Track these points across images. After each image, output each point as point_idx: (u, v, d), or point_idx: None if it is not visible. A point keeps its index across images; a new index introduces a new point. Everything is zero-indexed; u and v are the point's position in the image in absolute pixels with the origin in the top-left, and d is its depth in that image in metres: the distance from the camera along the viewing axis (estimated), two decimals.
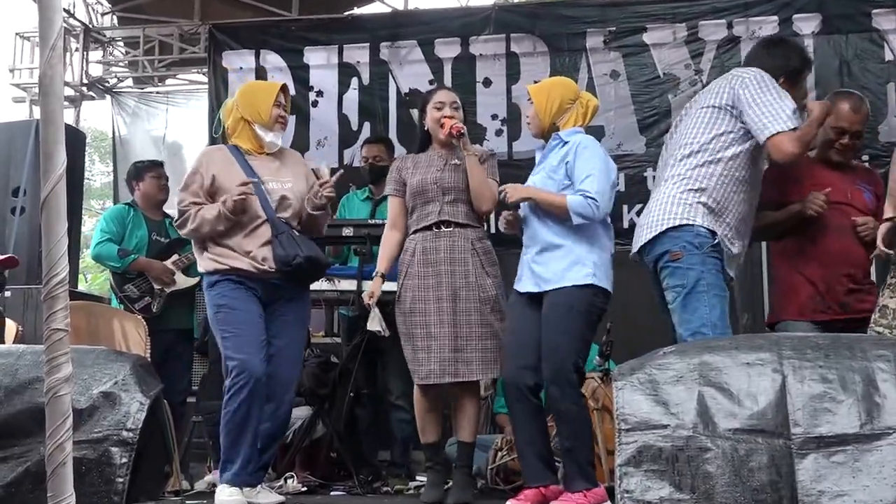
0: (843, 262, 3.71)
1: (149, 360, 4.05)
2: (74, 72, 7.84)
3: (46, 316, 1.96)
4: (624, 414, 2.60)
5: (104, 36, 8.06)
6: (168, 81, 8.34)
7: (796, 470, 2.42)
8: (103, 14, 8.13)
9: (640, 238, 3.54)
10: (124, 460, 2.91)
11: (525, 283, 3.66)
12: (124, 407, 3.01)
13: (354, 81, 6.83)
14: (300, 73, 6.89)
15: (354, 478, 4.38)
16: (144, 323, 4.69)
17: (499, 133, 6.51)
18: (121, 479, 2.88)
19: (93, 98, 8.22)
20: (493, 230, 5.66)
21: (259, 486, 3.66)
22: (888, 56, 5.96)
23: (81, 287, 10.82)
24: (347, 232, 4.63)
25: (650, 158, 5.93)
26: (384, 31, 6.85)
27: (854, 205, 3.78)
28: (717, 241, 3.40)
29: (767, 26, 6.05)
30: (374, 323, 4.04)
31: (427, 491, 3.90)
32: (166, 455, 3.52)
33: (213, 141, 4.96)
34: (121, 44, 8.20)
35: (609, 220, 3.67)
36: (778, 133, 3.35)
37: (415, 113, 6.27)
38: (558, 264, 3.54)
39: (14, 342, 4.61)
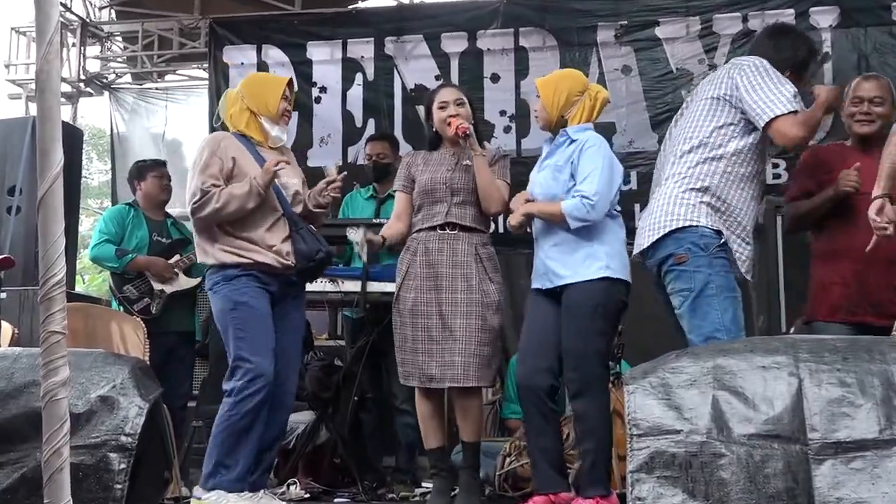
0: (877, 257, 3.66)
1: (148, 363, 4.06)
2: (71, 67, 7.85)
3: (43, 318, 1.97)
4: (636, 419, 2.60)
5: (102, 31, 8.08)
6: (167, 77, 8.35)
7: (813, 476, 2.41)
8: (101, 8, 8.16)
9: (643, 241, 3.50)
10: (123, 466, 2.91)
11: (541, 279, 3.67)
12: (123, 411, 3.01)
13: (359, 77, 6.84)
14: (303, 68, 6.90)
15: (359, 484, 4.39)
16: (143, 325, 4.71)
17: (507, 130, 6.51)
18: (119, 486, 2.88)
19: (90, 94, 8.23)
20: (500, 229, 5.67)
21: (261, 491, 3.66)
22: None
23: (79, 288, 10.85)
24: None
25: None
26: (389, 25, 6.86)
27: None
28: (723, 240, 3.36)
29: (784, 20, 6.03)
30: (355, 235, 4.04)
31: (433, 498, 3.91)
32: (166, 461, 3.53)
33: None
34: (119, 39, 8.22)
35: (616, 211, 3.68)
36: (778, 116, 3.31)
37: (421, 109, 6.29)
38: (571, 258, 3.56)
39: (10, 345, 4.62)
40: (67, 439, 1.98)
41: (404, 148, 5.90)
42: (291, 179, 3.87)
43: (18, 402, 2.99)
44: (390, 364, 4.63)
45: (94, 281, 14.75)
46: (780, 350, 2.67)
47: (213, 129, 4.60)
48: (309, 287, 4.41)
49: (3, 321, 4.73)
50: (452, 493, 3.92)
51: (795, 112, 3.32)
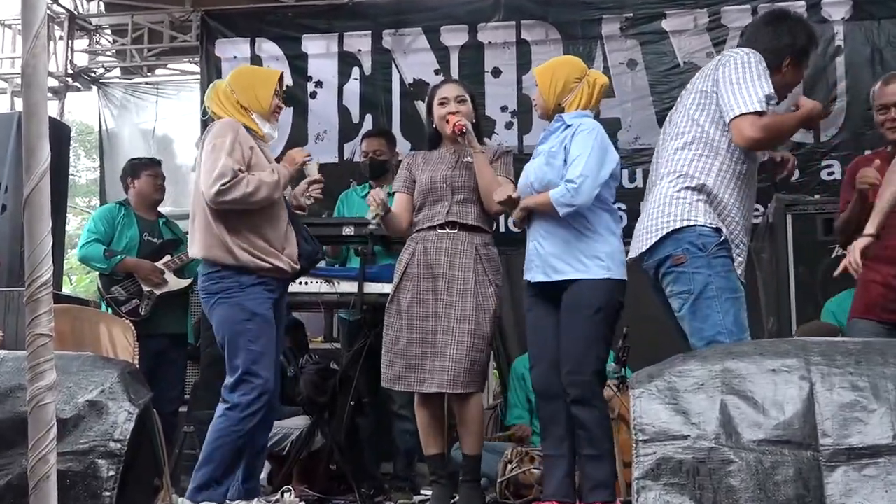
0: None
1: (137, 366, 4.06)
2: (59, 61, 7.87)
3: (29, 320, 1.97)
4: (642, 424, 2.60)
5: (90, 23, 8.09)
6: (158, 71, 8.37)
7: (825, 484, 2.41)
8: (89, 0, 8.15)
9: (640, 245, 3.46)
10: (111, 473, 2.91)
11: (535, 273, 3.67)
12: (111, 416, 3.00)
13: (355, 71, 6.84)
14: (298, 62, 6.91)
15: (355, 492, 4.39)
16: (133, 327, 4.71)
17: (509, 126, 6.52)
18: (108, 494, 2.88)
19: (78, 89, 8.25)
20: (502, 229, 5.68)
21: (255, 500, 3.66)
22: None
23: (66, 290, 10.84)
24: (348, 231, 4.62)
25: None
26: (387, 18, 6.86)
27: None
28: (722, 238, 3.31)
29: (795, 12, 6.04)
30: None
31: None
32: (156, 468, 3.51)
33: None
34: (108, 31, 8.22)
35: (612, 204, 3.70)
36: (741, 114, 3.27)
37: (419, 105, 6.30)
38: (570, 254, 3.56)
39: None
40: (54, 446, 1.98)
41: (402, 145, 5.91)
42: None
43: (4, 407, 2.99)
44: None
45: (81, 282, 14.76)
46: (791, 353, 2.66)
47: (205, 125, 4.59)
48: (304, 288, 4.42)
49: None
50: (452, 501, 3.92)
51: (761, 113, 3.26)
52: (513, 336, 6.31)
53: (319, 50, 6.93)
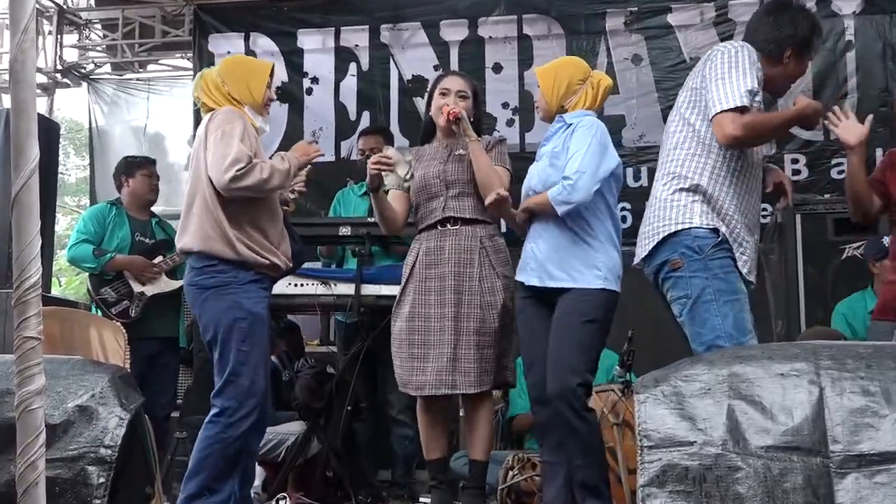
0: None
1: (128, 370, 4.06)
2: (48, 57, 7.87)
3: (17, 323, 1.97)
4: (647, 430, 2.59)
5: (80, 18, 8.09)
6: (149, 67, 8.36)
7: (835, 491, 2.41)
8: None
9: (641, 251, 3.47)
10: (102, 480, 2.91)
11: (529, 275, 3.67)
12: (102, 422, 3.00)
13: (352, 67, 6.85)
14: (293, 58, 6.92)
15: (352, 499, 4.40)
16: (123, 330, 4.70)
17: (510, 123, 6.53)
18: (98, 501, 2.87)
19: (68, 85, 8.25)
20: (503, 228, 5.66)
21: None
22: None
23: (55, 291, 10.86)
24: (345, 231, 4.63)
25: None
26: (385, 13, 6.87)
27: None
28: (720, 237, 3.30)
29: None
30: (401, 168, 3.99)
31: None
32: (148, 475, 3.51)
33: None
34: (98, 26, 8.22)
35: (616, 208, 3.69)
36: (721, 112, 3.25)
37: (418, 101, 6.30)
38: (568, 261, 3.56)
39: None
40: (43, 452, 1.98)
41: (400, 142, 5.91)
42: None
43: None
44: (386, 372, 4.63)
45: (71, 283, 14.76)
46: (800, 356, 2.66)
47: (198, 120, 4.57)
48: (300, 290, 4.42)
49: None
50: None
51: (743, 108, 3.24)
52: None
53: (315, 45, 6.94)
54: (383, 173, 3.94)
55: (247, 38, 7.00)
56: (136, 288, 5.25)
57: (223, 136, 3.52)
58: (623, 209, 5.58)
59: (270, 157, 3.73)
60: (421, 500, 4.55)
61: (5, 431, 2.64)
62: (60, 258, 10.57)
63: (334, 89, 6.87)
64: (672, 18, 6.35)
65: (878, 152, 5.40)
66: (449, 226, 3.93)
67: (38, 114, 2.08)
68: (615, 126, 5.75)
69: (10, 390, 2.12)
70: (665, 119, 6.11)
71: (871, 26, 6.07)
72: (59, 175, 9.17)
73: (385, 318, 4.16)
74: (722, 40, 6.17)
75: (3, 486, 2.80)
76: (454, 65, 6.59)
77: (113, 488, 2.92)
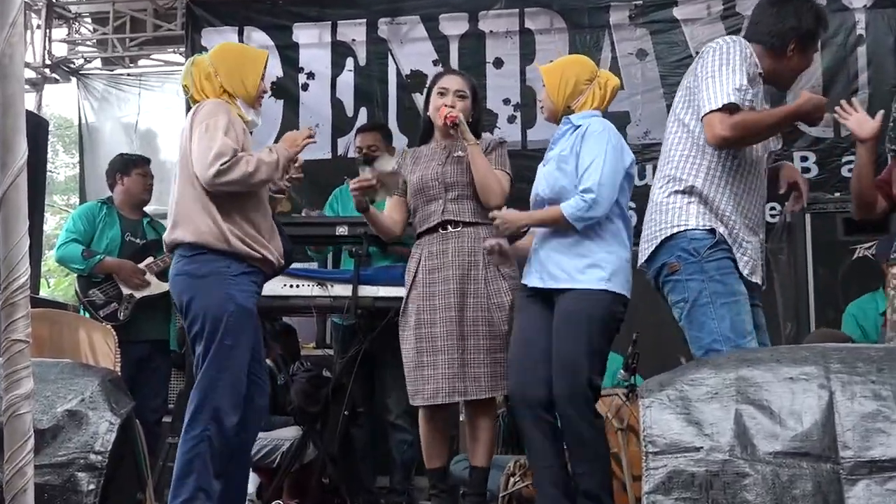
0: None
1: (119, 374, 4.06)
2: (36, 51, 7.87)
3: (5, 325, 1.97)
4: (652, 435, 2.60)
5: (69, 11, 8.09)
6: (141, 62, 8.36)
7: (846, 498, 2.41)
8: None
9: (643, 253, 3.47)
10: (92, 487, 2.91)
11: (532, 278, 3.66)
12: (92, 427, 3.00)
13: (349, 62, 6.85)
14: (289, 52, 6.92)
15: None
16: (114, 332, 4.70)
17: (511, 120, 6.52)
18: None
19: (56, 81, 8.25)
20: None
21: None
22: None
23: (43, 293, 10.85)
24: (342, 231, 4.62)
25: None
26: (383, 6, 6.87)
27: None
28: (717, 238, 3.29)
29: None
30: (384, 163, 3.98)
31: None
32: (139, 481, 3.52)
33: None
34: (88, 20, 8.22)
35: (629, 214, 3.68)
36: (710, 112, 3.24)
37: (417, 97, 6.30)
38: (570, 261, 3.54)
39: None
40: (31, 457, 1.98)
41: (398, 139, 5.91)
42: None
43: None
44: (384, 375, 4.65)
45: (59, 285, 14.77)
46: (810, 360, 2.66)
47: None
48: (295, 292, 4.42)
49: None
50: None
51: (732, 106, 3.23)
52: None
53: (311, 39, 6.94)
54: (377, 190, 3.92)
55: (241, 33, 7.00)
56: (126, 290, 5.25)
57: (207, 129, 3.50)
58: (629, 208, 5.58)
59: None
60: None
61: None
62: (49, 259, 10.58)
63: (331, 85, 6.87)
64: (678, 12, 6.34)
65: None
66: (450, 228, 3.92)
67: (27, 110, 2.08)
68: (619, 122, 5.72)
69: None
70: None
71: (883, 20, 6.07)
72: (48, 173, 9.17)
73: (383, 320, 4.16)
74: (729, 35, 6.17)
75: None
76: (454, 59, 6.59)
77: (103, 495, 2.92)
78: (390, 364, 4.39)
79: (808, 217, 5.24)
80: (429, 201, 3.97)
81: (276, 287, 4.18)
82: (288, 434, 4.78)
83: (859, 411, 2.51)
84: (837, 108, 3.63)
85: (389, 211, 4.11)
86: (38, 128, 6.59)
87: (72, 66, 8.19)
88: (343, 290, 4.44)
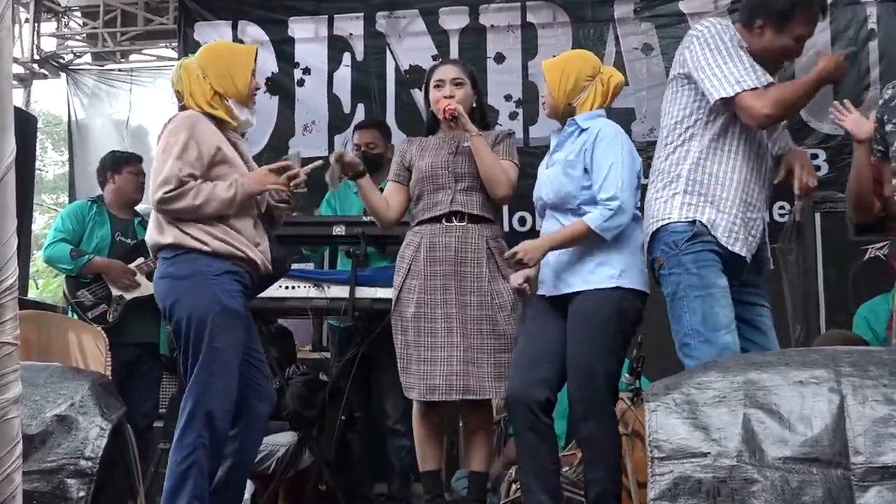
0: None
1: (109, 377, 4.06)
2: (24, 46, 7.87)
3: None
4: (658, 440, 2.60)
5: (58, 5, 8.09)
6: (132, 57, 8.36)
7: None
8: None
9: (642, 250, 3.56)
10: (82, 494, 2.91)
11: (546, 286, 3.67)
12: (82, 432, 3.01)
13: (346, 57, 6.84)
14: (284, 47, 6.91)
15: None
16: (104, 335, 4.70)
17: (513, 116, 6.53)
18: None
19: (45, 76, 8.26)
20: (506, 228, 5.67)
21: None
22: None
23: (32, 294, 10.85)
24: (338, 231, 4.62)
25: None
26: None
27: None
28: (696, 230, 3.31)
29: None
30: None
31: None
32: (130, 488, 3.52)
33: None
34: (77, 14, 8.22)
35: (636, 209, 3.69)
36: (740, 93, 3.25)
37: (416, 93, 6.30)
38: (582, 265, 3.56)
39: None
40: (20, 464, 1.98)
41: (397, 136, 5.90)
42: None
43: None
44: (382, 379, 4.64)
45: (48, 286, 14.77)
46: (820, 363, 2.67)
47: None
48: (291, 293, 4.42)
49: None
50: None
51: (758, 87, 3.25)
52: None
53: (307, 34, 6.93)
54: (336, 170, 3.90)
55: (234, 27, 6.99)
56: (115, 291, 5.25)
57: (164, 150, 3.53)
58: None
59: (252, 156, 3.71)
60: None
61: None
62: (37, 259, 10.58)
63: (327, 80, 6.86)
64: (684, 6, 6.34)
65: None
66: (455, 221, 3.92)
67: (15, 106, 2.08)
68: (624, 119, 5.74)
69: None
70: None
71: (895, 14, 6.06)
72: (37, 171, 9.17)
73: (381, 323, 4.16)
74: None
75: None
76: (454, 54, 6.58)
77: (94, 502, 2.92)
78: (388, 367, 4.37)
79: (818, 216, 5.24)
80: (437, 189, 3.96)
81: (271, 289, 4.18)
82: (283, 439, 4.78)
83: (871, 416, 2.51)
84: (833, 110, 3.64)
85: (387, 193, 4.11)
86: (26, 125, 6.58)
87: (61, 61, 8.19)
88: (340, 291, 4.44)
